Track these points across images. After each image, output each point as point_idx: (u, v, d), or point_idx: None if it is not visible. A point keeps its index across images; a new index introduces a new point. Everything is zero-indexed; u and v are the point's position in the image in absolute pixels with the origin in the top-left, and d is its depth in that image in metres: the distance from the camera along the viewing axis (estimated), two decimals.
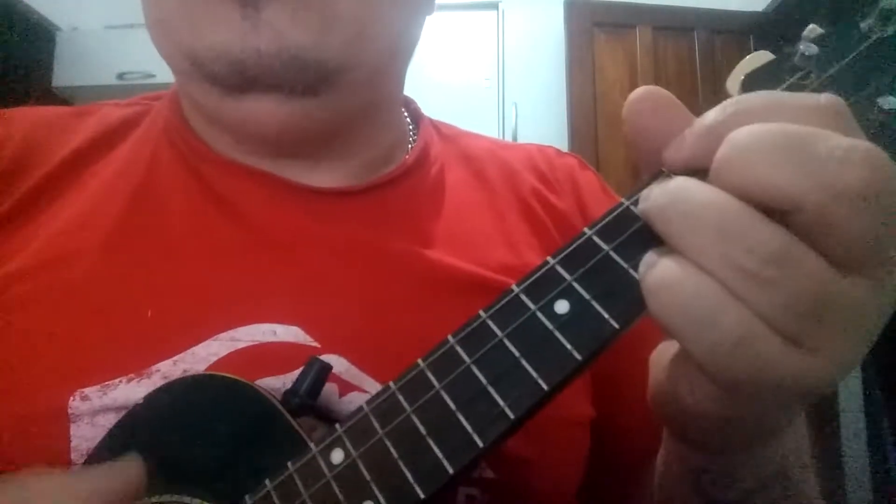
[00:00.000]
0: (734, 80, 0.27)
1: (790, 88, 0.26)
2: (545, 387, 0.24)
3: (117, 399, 0.33)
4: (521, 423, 0.24)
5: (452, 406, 0.25)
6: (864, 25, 0.25)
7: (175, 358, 0.35)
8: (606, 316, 0.24)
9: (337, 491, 0.26)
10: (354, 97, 0.41)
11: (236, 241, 0.40)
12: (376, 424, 0.26)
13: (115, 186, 0.41)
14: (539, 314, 0.25)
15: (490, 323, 0.26)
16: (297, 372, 0.32)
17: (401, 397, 0.26)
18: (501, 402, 0.24)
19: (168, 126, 0.45)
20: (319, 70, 0.37)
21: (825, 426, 1.68)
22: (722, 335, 0.21)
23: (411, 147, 0.49)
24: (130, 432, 0.31)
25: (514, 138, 2.30)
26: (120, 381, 0.34)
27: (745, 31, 2.30)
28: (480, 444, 0.24)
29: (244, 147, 0.42)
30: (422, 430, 0.25)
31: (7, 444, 0.32)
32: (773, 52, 0.27)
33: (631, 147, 0.26)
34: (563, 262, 0.25)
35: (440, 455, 0.24)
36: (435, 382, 0.26)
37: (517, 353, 0.25)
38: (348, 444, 0.27)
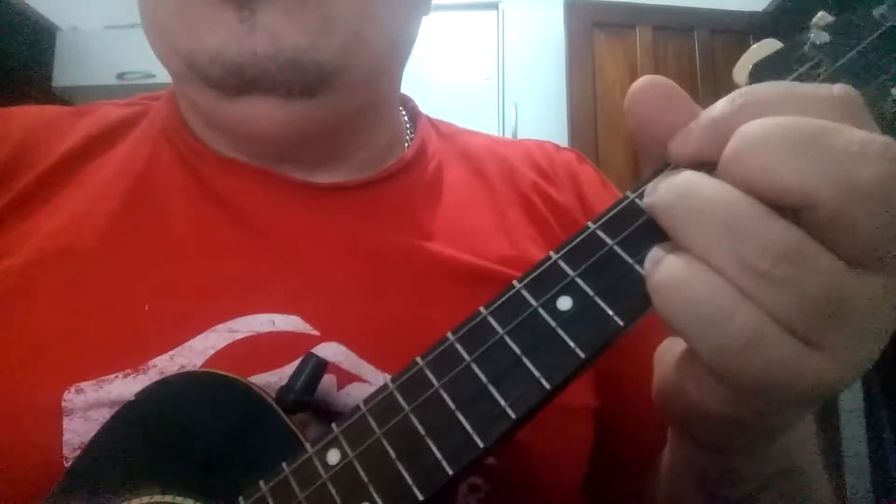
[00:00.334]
0: (742, 70, 0.26)
1: (800, 78, 0.25)
2: (547, 386, 0.23)
3: (112, 393, 0.33)
4: (523, 422, 0.24)
5: (452, 405, 0.24)
6: (876, 13, 0.24)
7: (172, 352, 0.34)
8: (611, 313, 0.23)
9: (333, 493, 0.25)
10: (352, 98, 0.41)
11: (235, 237, 0.40)
12: (374, 424, 0.26)
13: (114, 184, 0.41)
14: (541, 311, 0.24)
15: (491, 320, 0.25)
16: (294, 364, 0.32)
17: (399, 396, 0.25)
18: (502, 402, 0.23)
19: (166, 126, 0.45)
20: (316, 72, 0.36)
21: (825, 426, 1.68)
22: (731, 336, 0.20)
23: (408, 145, 0.49)
24: (122, 428, 0.31)
25: (514, 138, 2.29)
26: (116, 376, 0.34)
27: (745, 31, 2.30)
28: (481, 445, 0.23)
29: (242, 148, 0.42)
30: (420, 430, 0.24)
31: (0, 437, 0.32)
32: (781, 41, 0.26)
33: (634, 139, 0.25)
34: (565, 258, 0.25)
35: (439, 456, 0.24)
36: (434, 381, 0.25)
37: (518, 351, 0.24)
38: (345, 445, 0.26)
